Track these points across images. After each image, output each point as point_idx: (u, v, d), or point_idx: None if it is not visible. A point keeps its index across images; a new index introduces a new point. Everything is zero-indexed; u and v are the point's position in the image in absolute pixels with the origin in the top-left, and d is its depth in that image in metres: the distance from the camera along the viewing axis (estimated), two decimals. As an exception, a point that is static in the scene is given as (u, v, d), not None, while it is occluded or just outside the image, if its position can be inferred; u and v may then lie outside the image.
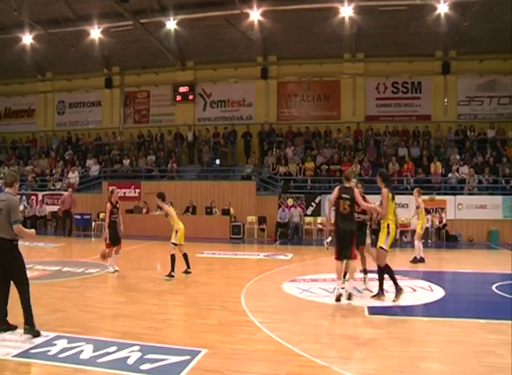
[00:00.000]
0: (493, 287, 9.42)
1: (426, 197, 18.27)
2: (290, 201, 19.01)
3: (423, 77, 22.93)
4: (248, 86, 23.96)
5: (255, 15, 18.33)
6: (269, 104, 23.71)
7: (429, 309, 7.75)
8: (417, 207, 12.86)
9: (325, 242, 9.90)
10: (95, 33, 20.33)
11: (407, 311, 7.57)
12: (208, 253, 14.29)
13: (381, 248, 7.85)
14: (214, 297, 8.39)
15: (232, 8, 18.26)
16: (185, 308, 7.71)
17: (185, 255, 10.34)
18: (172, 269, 9.97)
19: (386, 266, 7.92)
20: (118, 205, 11.02)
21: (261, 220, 19.05)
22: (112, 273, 10.59)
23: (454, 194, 18.71)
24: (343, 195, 8.04)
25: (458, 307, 8.15)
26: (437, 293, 8.81)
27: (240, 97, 24.12)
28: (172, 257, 9.99)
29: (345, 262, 8.14)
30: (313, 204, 19.39)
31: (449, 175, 19.78)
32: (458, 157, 20.54)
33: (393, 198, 7.93)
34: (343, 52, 22.89)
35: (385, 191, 7.86)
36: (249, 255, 14.31)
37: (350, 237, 8.03)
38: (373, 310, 7.44)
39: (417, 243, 12.57)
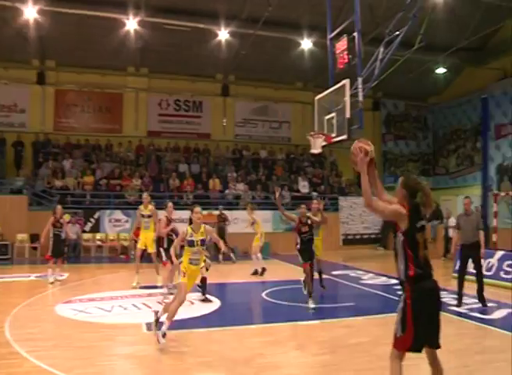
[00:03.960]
0: (263, 295, 10.25)
1: (205, 212, 19.06)
2: (67, 217, 17.80)
3: (204, 97, 24.04)
4: (21, 90, 21.76)
5: (30, 12, 16.66)
6: (45, 112, 21.93)
7: (206, 320, 8.02)
8: (253, 223, 13.41)
9: None
10: None
11: (186, 323, 7.70)
12: (-33, 278, 12.53)
13: None
14: (-31, 329, 7.32)
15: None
16: None
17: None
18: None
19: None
20: (61, 220, 11.93)
21: (34, 238, 17.42)
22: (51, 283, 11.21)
23: (231, 209, 19.88)
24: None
25: (232, 315, 8.61)
26: (214, 304, 9.19)
27: (11, 101, 21.75)
28: None
29: None
30: (92, 220, 18.56)
31: (227, 191, 21.04)
32: (235, 174, 21.99)
33: None
34: (126, 65, 22.65)
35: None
36: (18, 277, 12.92)
37: None
38: (151, 326, 7.38)
39: (258, 256, 13.08)
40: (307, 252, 9.23)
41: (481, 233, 9.21)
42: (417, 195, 3.96)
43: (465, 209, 9.53)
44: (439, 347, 3.98)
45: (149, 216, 10.99)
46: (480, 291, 9.20)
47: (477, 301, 9.26)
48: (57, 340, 6.68)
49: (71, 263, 16.03)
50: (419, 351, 3.90)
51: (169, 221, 10.37)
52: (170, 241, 9.85)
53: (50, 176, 19.45)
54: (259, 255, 13.17)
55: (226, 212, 18.19)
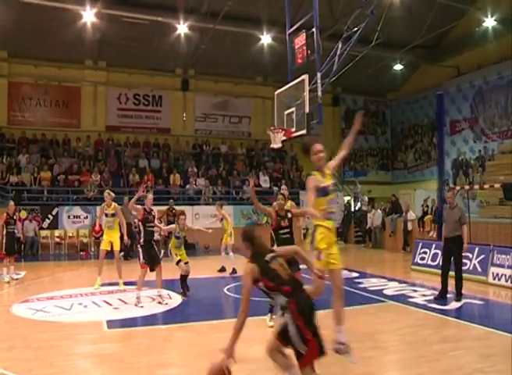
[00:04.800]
0: (225, 290, 10.27)
1: (165, 207, 18.92)
2: (24, 214, 17.35)
3: (164, 91, 23.80)
4: (-29, 82, 21.06)
5: None
6: (-1, 105, 21.29)
7: (168, 317, 7.98)
8: (222, 219, 13.11)
9: None
10: None
11: (147, 321, 7.66)
12: None
13: None
14: None
15: None
16: None
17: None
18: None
19: None
20: (15, 217, 11.72)
21: (-12, 236, 16.92)
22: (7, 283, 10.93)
23: (192, 205, 19.79)
24: None
25: (194, 312, 8.60)
26: (175, 300, 9.15)
27: (-39, 95, 21.05)
28: None
29: None
30: (50, 216, 18.11)
31: (187, 186, 20.92)
32: (195, 169, 21.87)
33: None
34: (84, 58, 22.16)
35: None
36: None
37: None
38: (112, 324, 7.30)
39: (230, 255, 12.57)
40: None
41: (464, 227, 9.13)
42: (254, 243, 4.33)
43: (448, 202, 9.49)
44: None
45: (113, 215, 10.54)
46: (458, 285, 9.07)
47: (435, 292, 9.50)
48: (13, 341, 6.49)
49: (28, 261, 15.65)
50: (325, 353, 4.03)
51: (146, 211, 9.54)
52: (149, 233, 8.97)
53: (4, 171, 18.86)
54: (231, 253, 12.69)
55: (187, 208, 18.03)
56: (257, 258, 4.23)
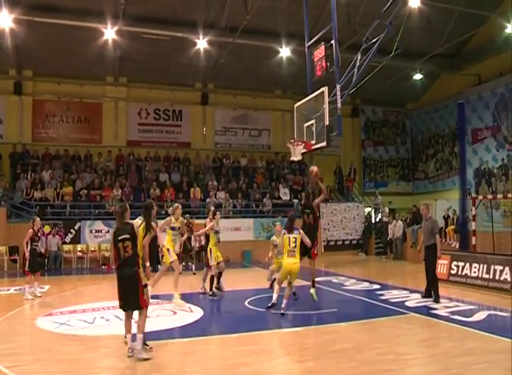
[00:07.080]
0: (246, 303, 10.24)
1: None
2: (47, 229, 17.63)
3: (184, 106, 24.01)
4: (-2, 101, 21.57)
5: (6, 21, 16.29)
6: (23, 123, 21.62)
7: (189, 330, 7.97)
8: (276, 245, 12.75)
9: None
10: None
11: (168, 334, 7.67)
12: None
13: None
14: None
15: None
16: None
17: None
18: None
19: None
20: (39, 234, 11.87)
21: (13, 251, 17.13)
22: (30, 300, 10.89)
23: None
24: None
25: (215, 325, 8.59)
26: (196, 314, 9.15)
27: (-13, 112, 21.54)
28: None
29: None
30: (72, 231, 18.33)
31: (208, 200, 20.97)
32: (216, 183, 21.96)
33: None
34: (105, 75, 22.51)
35: None
36: (-4, 290, 12.75)
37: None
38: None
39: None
40: None
41: (437, 237, 10.62)
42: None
43: (423, 215, 11.15)
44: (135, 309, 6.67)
45: (179, 228, 10.32)
46: (433, 288, 10.19)
47: (458, 304, 9.42)
48: (38, 354, 6.57)
49: (52, 275, 15.84)
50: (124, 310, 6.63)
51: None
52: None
53: (29, 187, 19.18)
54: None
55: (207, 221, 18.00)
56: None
